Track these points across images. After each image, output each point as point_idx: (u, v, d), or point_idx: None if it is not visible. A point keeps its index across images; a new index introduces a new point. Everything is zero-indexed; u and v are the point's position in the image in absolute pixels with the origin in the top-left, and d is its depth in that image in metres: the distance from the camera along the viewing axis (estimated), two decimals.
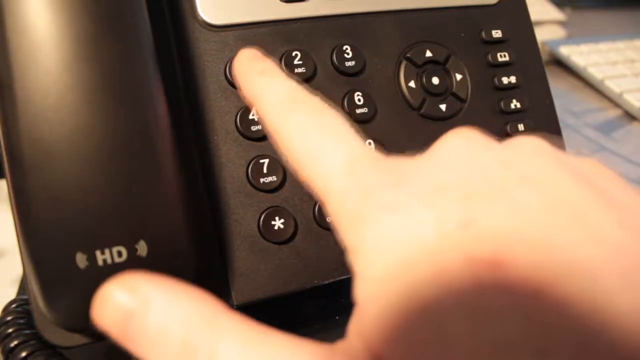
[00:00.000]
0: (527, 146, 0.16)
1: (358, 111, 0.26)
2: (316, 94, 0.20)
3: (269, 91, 0.20)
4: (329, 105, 0.19)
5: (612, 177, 0.15)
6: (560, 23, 0.65)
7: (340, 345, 0.15)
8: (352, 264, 0.16)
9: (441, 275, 0.13)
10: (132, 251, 0.18)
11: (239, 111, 0.24)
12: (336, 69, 0.26)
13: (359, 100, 0.26)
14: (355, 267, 0.16)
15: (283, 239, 0.23)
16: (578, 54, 0.57)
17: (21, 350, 0.21)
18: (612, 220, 0.14)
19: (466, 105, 0.28)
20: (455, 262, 0.13)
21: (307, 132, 0.18)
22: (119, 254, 0.18)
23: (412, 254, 0.14)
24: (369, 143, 0.25)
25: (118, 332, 0.15)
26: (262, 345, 0.15)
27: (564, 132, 0.30)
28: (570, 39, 0.61)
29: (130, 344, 0.15)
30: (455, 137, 0.17)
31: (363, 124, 0.26)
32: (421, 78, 0.27)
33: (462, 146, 0.16)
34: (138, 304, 0.15)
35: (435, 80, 0.28)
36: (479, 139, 0.17)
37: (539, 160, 0.15)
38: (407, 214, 0.15)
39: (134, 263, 0.18)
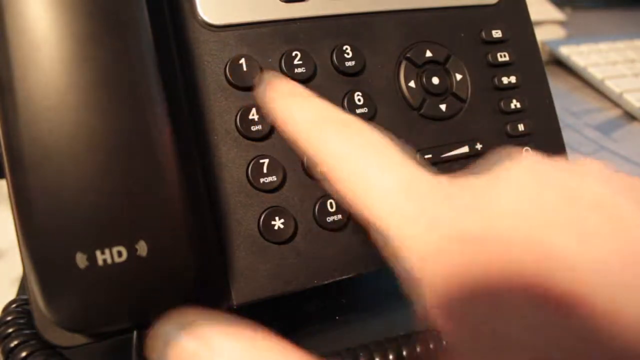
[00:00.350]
0: (591, 173, 0.16)
1: (358, 111, 0.26)
2: (348, 113, 0.19)
3: (300, 111, 0.19)
4: (366, 123, 0.18)
5: None
6: (560, 23, 0.65)
7: None
8: (414, 293, 0.16)
9: (511, 313, 0.14)
10: (132, 251, 0.18)
11: (239, 111, 0.24)
12: (336, 69, 0.26)
13: (359, 100, 0.26)
14: (416, 296, 0.16)
15: (283, 239, 0.23)
16: (578, 54, 0.57)
17: (21, 350, 0.21)
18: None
19: (466, 105, 0.28)
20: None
21: (350, 153, 0.17)
22: (119, 254, 0.18)
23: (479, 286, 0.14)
24: None
25: None
26: None
27: (564, 132, 0.30)
28: (570, 39, 0.61)
29: None
30: (517, 165, 0.17)
31: None
32: (421, 78, 0.27)
33: (526, 175, 0.16)
34: (204, 354, 0.15)
35: (435, 80, 0.28)
36: (541, 166, 0.17)
37: (604, 188, 0.15)
38: (479, 246, 0.15)
39: (134, 263, 0.18)
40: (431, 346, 0.23)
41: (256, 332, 0.15)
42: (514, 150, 0.17)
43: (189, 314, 0.15)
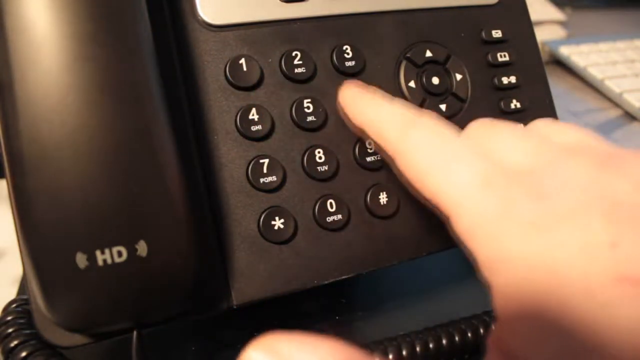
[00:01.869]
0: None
1: None
2: (430, 113, 0.21)
3: (384, 114, 0.21)
4: (445, 122, 0.20)
5: None
6: (560, 23, 0.65)
7: None
8: (488, 279, 0.16)
9: (591, 294, 0.14)
10: (132, 251, 0.18)
11: (239, 111, 0.24)
12: (336, 69, 0.26)
13: None
14: (492, 282, 0.16)
15: (283, 239, 0.23)
16: (578, 54, 0.57)
17: (21, 350, 0.21)
18: None
19: (466, 105, 0.28)
20: (605, 281, 0.14)
21: (432, 148, 0.18)
22: (119, 254, 0.18)
23: (560, 272, 0.14)
24: (369, 143, 0.25)
25: None
26: None
27: None
28: (570, 39, 0.61)
29: None
30: (578, 152, 0.17)
31: None
32: (421, 78, 0.27)
33: (588, 162, 0.16)
34: None
35: (435, 80, 0.28)
36: (601, 153, 0.17)
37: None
38: (552, 233, 0.15)
39: (134, 263, 0.18)
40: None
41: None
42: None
43: (281, 341, 0.15)
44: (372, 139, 0.22)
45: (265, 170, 0.24)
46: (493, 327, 0.16)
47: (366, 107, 0.22)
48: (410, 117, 0.20)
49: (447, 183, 0.17)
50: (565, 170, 0.16)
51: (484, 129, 0.20)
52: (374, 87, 0.23)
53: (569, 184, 0.16)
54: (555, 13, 0.65)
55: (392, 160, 0.20)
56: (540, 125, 0.19)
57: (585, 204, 0.15)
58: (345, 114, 0.24)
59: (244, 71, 0.24)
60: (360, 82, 0.23)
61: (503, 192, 0.16)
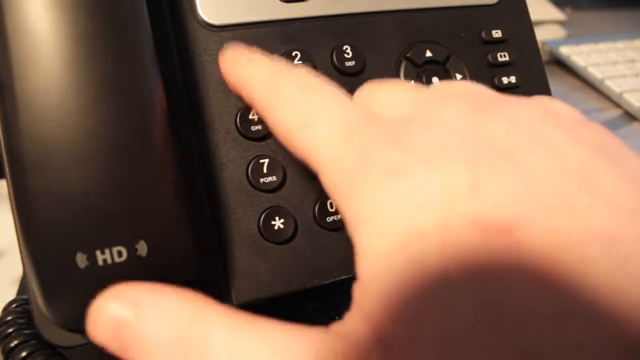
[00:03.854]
0: (533, 109, 0.15)
1: None
2: (304, 66, 0.19)
3: (255, 73, 0.19)
4: (315, 73, 0.18)
5: (620, 144, 0.15)
6: (560, 23, 0.65)
7: (339, 327, 0.14)
8: (353, 237, 0.15)
9: (449, 245, 0.12)
10: (132, 251, 0.18)
11: (239, 111, 0.24)
12: (336, 69, 0.26)
13: None
14: (356, 241, 0.14)
15: (283, 239, 0.23)
16: (578, 54, 0.57)
17: (21, 350, 0.21)
18: (625, 185, 0.13)
19: None
20: (464, 230, 0.12)
21: (294, 101, 0.17)
22: (119, 253, 0.18)
23: (417, 223, 0.13)
24: None
25: (114, 343, 0.15)
26: (255, 333, 0.14)
27: None
28: (570, 39, 0.61)
29: (128, 353, 0.15)
30: (455, 98, 0.16)
31: None
32: (421, 78, 0.27)
33: (464, 106, 0.15)
34: (130, 311, 0.15)
35: (435, 80, 0.28)
36: (480, 98, 0.16)
37: (547, 125, 0.14)
38: (410, 178, 0.14)
39: (134, 263, 0.18)
40: None
41: (183, 291, 0.15)
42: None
43: (120, 286, 0.16)
44: (246, 101, 0.20)
45: (265, 170, 0.24)
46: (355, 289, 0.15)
47: (241, 66, 0.20)
48: (280, 70, 0.18)
49: (308, 138, 0.16)
50: (437, 115, 0.15)
51: (370, 86, 0.18)
52: (256, 48, 0.21)
53: (435, 127, 0.14)
54: (555, 13, 0.65)
55: (263, 117, 0.18)
56: (435, 83, 0.18)
57: (448, 146, 0.14)
58: (226, 80, 0.22)
59: None
60: (242, 45, 0.21)
61: (362, 142, 0.15)
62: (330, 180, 0.16)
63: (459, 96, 0.16)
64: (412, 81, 0.27)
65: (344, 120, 0.16)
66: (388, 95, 0.17)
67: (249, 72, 0.19)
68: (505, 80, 0.29)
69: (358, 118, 0.16)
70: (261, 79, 0.19)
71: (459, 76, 0.28)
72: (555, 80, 0.56)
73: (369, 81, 0.19)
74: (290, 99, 0.17)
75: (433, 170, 0.13)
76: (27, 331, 0.22)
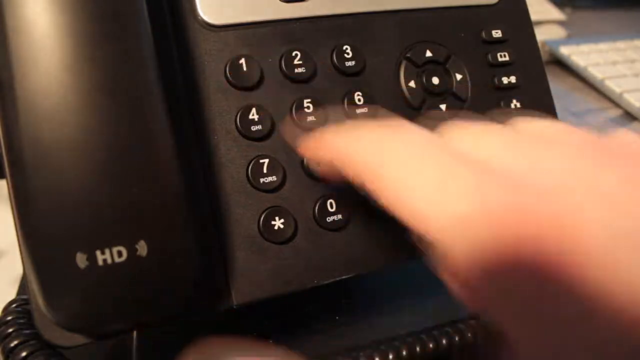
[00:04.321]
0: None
1: (358, 111, 0.26)
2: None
3: (351, 138, 0.20)
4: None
5: None
6: (560, 23, 0.65)
7: None
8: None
9: None
10: (132, 251, 0.18)
11: (239, 111, 0.24)
12: (336, 69, 0.26)
13: (359, 100, 0.26)
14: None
15: (283, 239, 0.23)
16: (578, 54, 0.57)
17: (21, 350, 0.21)
18: None
19: (466, 105, 0.28)
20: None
21: (409, 167, 0.18)
22: (119, 253, 0.18)
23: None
24: None
25: None
26: None
27: None
28: (570, 39, 0.61)
29: None
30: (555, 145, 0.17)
31: None
32: (421, 78, 0.27)
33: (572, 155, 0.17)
34: None
35: (435, 80, 0.28)
36: (587, 148, 0.18)
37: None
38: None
39: (134, 263, 0.18)
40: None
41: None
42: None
43: (215, 345, 0.15)
44: (348, 174, 0.20)
45: (265, 170, 0.24)
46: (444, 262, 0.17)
47: (333, 141, 0.21)
48: (382, 129, 0.19)
49: (436, 211, 0.17)
50: (546, 164, 0.17)
51: (460, 131, 0.19)
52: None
53: (550, 172, 0.16)
54: (555, 13, 0.65)
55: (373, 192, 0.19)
56: (520, 121, 0.19)
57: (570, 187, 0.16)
58: (313, 161, 0.23)
59: (244, 71, 0.24)
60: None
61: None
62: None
63: (560, 144, 0.18)
64: (412, 82, 0.27)
65: (481, 195, 0.16)
66: (495, 146, 0.18)
67: (347, 142, 0.20)
68: (505, 80, 0.29)
69: (493, 195, 0.16)
70: (363, 143, 0.19)
71: (459, 76, 0.28)
72: (555, 80, 0.56)
73: (449, 122, 0.20)
74: (403, 159, 0.18)
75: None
76: (27, 331, 0.22)
